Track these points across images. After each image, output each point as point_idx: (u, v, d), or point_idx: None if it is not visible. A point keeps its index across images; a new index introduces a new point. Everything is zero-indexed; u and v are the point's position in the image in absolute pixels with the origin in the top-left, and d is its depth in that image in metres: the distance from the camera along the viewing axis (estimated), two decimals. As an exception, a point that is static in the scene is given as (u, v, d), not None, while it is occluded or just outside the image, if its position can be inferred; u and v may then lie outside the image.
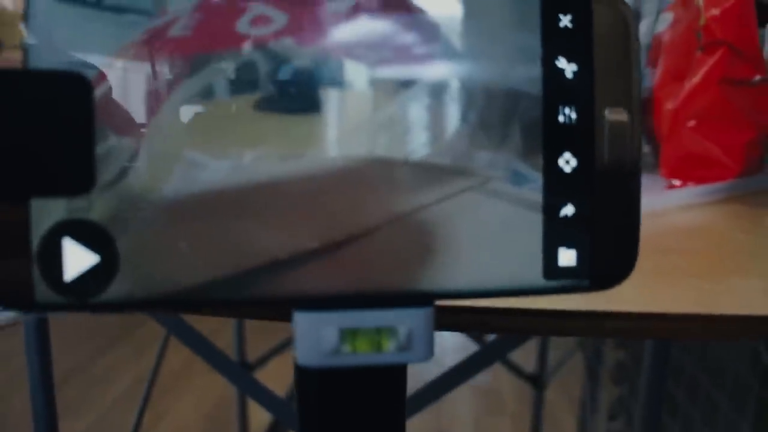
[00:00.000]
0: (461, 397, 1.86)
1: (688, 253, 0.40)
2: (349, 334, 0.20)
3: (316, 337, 0.20)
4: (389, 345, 0.21)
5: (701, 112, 0.60)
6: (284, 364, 1.53)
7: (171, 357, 1.37)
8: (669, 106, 0.61)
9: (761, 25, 0.61)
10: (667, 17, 0.70)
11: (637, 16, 0.89)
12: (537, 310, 0.28)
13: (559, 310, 0.29)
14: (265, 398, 0.94)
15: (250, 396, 0.98)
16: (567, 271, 0.22)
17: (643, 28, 0.88)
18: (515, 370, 1.50)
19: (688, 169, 0.62)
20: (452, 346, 1.94)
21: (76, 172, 0.19)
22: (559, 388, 1.72)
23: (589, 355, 1.49)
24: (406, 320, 0.21)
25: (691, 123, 0.61)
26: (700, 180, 0.61)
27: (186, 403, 1.86)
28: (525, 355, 1.53)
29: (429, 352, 0.21)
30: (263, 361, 1.47)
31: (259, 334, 1.66)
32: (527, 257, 0.22)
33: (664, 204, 0.54)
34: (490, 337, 1.54)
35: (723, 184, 0.60)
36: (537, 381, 1.52)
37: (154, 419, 1.75)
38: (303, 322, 0.20)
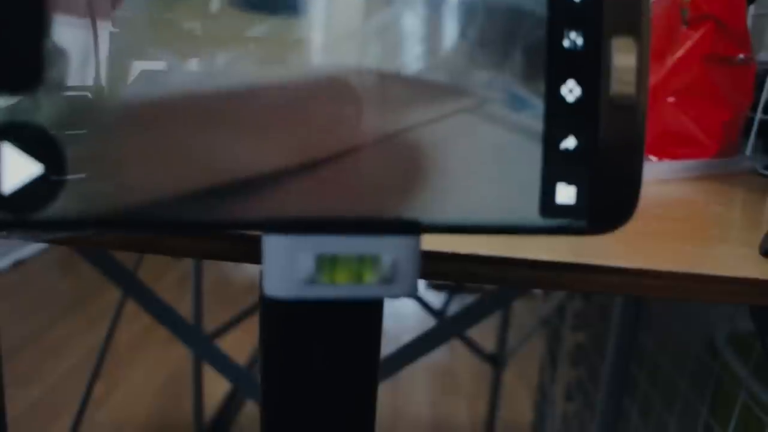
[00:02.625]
0: (417, 377, 1.85)
1: (671, 220, 0.39)
2: (326, 262, 0.18)
3: (288, 264, 0.18)
4: (371, 276, 0.19)
5: (682, 88, 0.59)
6: (243, 336, 1.50)
7: (125, 328, 1.34)
8: (650, 81, 0.60)
9: (748, 2, 0.60)
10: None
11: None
12: (523, 259, 0.27)
13: (547, 261, 0.27)
14: (224, 365, 0.92)
15: (209, 362, 0.95)
16: (564, 209, 0.20)
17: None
18: (474, 349, 1.50)
19: (665, 146, 0.61)
20: (411, 324, 1.93)
21: (20, 65, 0.17)
22: (516, 370, 1.72)
23: (549, 336, 1.49)
24: (391, 249, 0.19)
25: (671, 99, 0.60)
26: (676, 156, 0.60)
27: (139, 374, 1.82)
28: (484, 335, 1.53)
29: (413, 287, 0.19)
30: (221, 332, 1.44)
31: (218, 306, 1.63)
32: (523, 191, 0.20)
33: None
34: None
35: (700, 161, 0.59)
36: (496, 361, 1.52)
37: (107, 390, 1.71)
38: (274, 246, 0.18)
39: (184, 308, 1.37)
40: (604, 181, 0.21)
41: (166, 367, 1.83)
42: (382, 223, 0.19)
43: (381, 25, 0.18)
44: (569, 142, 0.20)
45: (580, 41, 0.20)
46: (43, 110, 0.17)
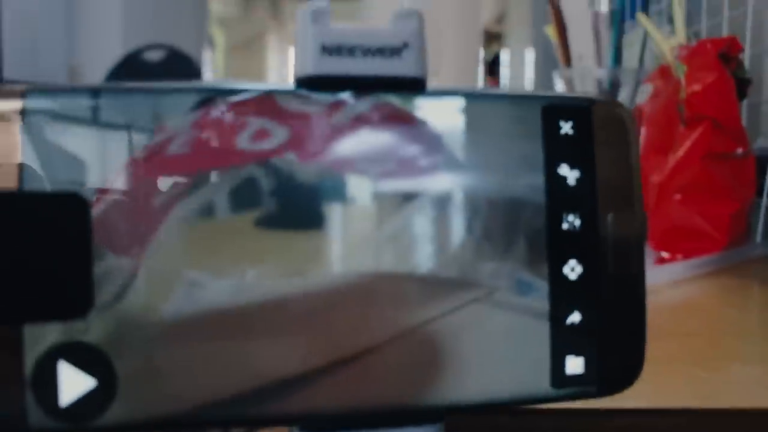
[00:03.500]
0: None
1: (684, 337, 0.40)
2: None
3: None
4: None
5: (686, 185, 0.61)
6: None
7: None
8: (654, 179, 0.62)
9: (740, 99, 0.62)
10: (647, 89, 0.71)
11: (616, 86, 0.91)
12: (540, 409, 0.28)
13: (563, 409, 0.28)
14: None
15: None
16: (574, 378, 0.22)
17: (622, 97, 0.90)
18: None
19: (676, 241, 0.62)
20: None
21: (73, 295, 0.19)
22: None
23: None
24: None
25: (677, 196, 0.62)
26: (687, 252, 0.61)
27: None
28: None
29: None
30: None
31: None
32: (535, 367, 0.21)
33: (654, 280, 0.54)
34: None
35: (711, 257, 0.60)
36: None
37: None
38: None
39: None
40: (610, 348, 0.22)
41: None
42: (407, 414, 0.20)
43: (392, 231, 0.20)
44: (575, 317, 0.22)
45: (578, 222, 0.22)
46: (94, 330, 0.19)
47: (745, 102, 0.70)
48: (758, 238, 0.69)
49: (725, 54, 0.60)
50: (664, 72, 0.69)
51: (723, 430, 0.29)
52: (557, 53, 0.95)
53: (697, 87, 0.60)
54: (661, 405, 0.29)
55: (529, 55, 2.92)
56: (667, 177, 0.61)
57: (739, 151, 0.62)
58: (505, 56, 3.74)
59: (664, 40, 0.71)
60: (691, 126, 0.61)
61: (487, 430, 0.27)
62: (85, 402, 0.19)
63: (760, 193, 0.70)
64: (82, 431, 0.19)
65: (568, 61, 0.93)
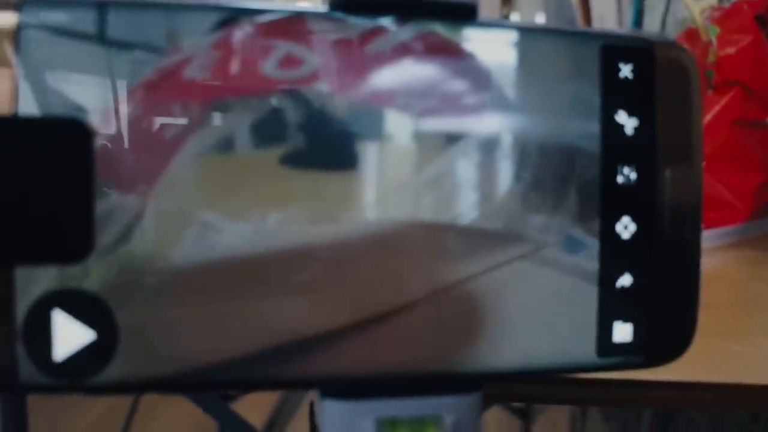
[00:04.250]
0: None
1: (712, 309, 0.38)
2: (387, 425, 0.18)
3: (348, 429, 0.18)
4: None
5: (712, 153, 0.59)
6: (262, 396, 1.48)
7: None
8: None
9: (774, 65, 0.59)
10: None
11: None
12: (575, 379, 0.26)
13: (592, 379, 0.26)
14: (243, 430, 0.90)
15: (226, 427, 0.94)
16: (622, 347, 0.20)
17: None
18: (502, 403, 1.47)
19: (697, 211, 0.60)
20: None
21: (71, 235, 0.16)
22: (546, 423, 1.68)
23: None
24: (454, 408, 0.18)
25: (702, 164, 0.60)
26: (709, 222, 0.59)
27: (164, 428, 1.80)
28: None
29: None
30: (240, 393, 1.43)
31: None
32: (580, 332, 0.19)
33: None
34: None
35: (734, 227, 0.58)
36: (525, 415, 1.49)
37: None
38: (333, 411, 0.18)
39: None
40: (661, 316, 0.20)
41: (190, 421, 1.82)
42: (443, 380, 0.18)
43: (434, 175, 0.18)
44: (625, 280, 0.20)
45: (634, 176, 0.20)
46: (93, 276, 0.17)
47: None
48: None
49: (762, 16, 0.57)
50: (691, 35, 0.66)
51: (758, 406, 0.27)
52: (578, 14, 0.92)
53: (729, 50, 0.57)
54: (694, 378, 0.27)
55: (540, 19, 2.87)
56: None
57: (769, 119, 0.59)
58: (514, 19, 3.68)
59: (694, 1, 0.67)
60: (720, 91, 0.58)
61: (518, 398, 0.25)
62: (82, 357, 0.17)
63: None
64: (78, 389, 0.17)
65: (588, 22, 0.90)
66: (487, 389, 0.22)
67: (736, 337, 0.33)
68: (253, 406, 1.24)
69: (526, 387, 0.26)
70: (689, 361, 0.29)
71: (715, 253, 0.54)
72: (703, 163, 0.21)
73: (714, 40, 0.59)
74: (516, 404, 1.48)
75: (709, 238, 0.56)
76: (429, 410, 0.18)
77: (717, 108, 0.58)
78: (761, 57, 0.57)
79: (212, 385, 0.17)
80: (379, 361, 0.18)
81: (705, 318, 0.36)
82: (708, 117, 0.59)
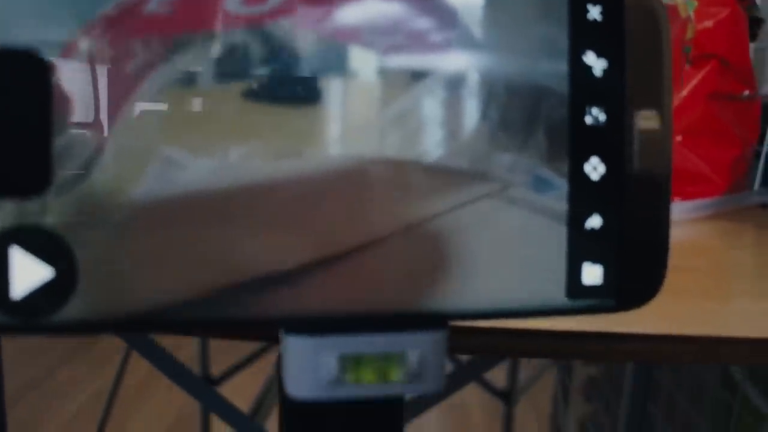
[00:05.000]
0: (428, 414, 1.83)
1: (689, 272, 0.38)
2: (351, 362, 0.17)
3: (311, 365, 0.17)
4: (398, 374, 0.18)
5: (689, 126, 0.59)
6: (248, 380, 1.48)
7: (131, 371, 1.33)
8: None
9: (751, 39, 0.60)
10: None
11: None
12: (548, 331, 0.26)
13: (568, 331, 0.26)
14: (229, 414, 0.90)
15: (214, 411, 0.94)
16: (592, 289, 0.20)
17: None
18: (486, 386, 1.48)
19: (675, 185, 0.60)
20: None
21: (28, 170, 0.16)
22: (528, 405, 1.70)
23: (561, 371, 1.47)
24: (418, 345, 0.18)
25: (678, 138, 0.60)
26: (686, 196, 0.60)
27: (146, 419, 1.80)
28: (495, 371, 1.51)
29: (440, 382, 0.18)
30: (227, 375, 1.43)
31: (224, 349, 1.62)
32: (549, 274, 0.19)
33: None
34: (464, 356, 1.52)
35: (710, 200, 0.59)
36: (507, 397, 1.50)
37: (113, 434, 1.68)
38: (296, 347, 0.17)
39: (188, 351, 1.36)
40: (631, 257, 0.20)
41: (173, 411, 1.81)
42: (408, 318, 0.18)
43: (399, 112, 0.18)
44: (594, 221, 0.19)
45: (602, 117, 0.19)
46: (51, 211, 0.16)
47: (752, 46, 0.67)
48: (756, 185, 0.67)
49: (739, -11, 0.57)
50: (670, 12, 0.66)
51: (733, 358, 0.28)
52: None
53: (707, 23, 0.57)
54: (673, 332, 0.27)
55: None
56: (670, 117, 0.59)
57: (746, 93, 0.60)
58: None
59: (672, -24, 0.68)
60: (698, 65, 0.58)
61: (488, 349, 0.25)
62: (39, 295, 0.16)
63: (761, 141, 0.68)
64: (36, 329, 0.17)
65: None
66: (462, 340, 0.22)
67: (712, 296, 0.33)
68: (240, 390, 1.24)
69: (499, 339, 0.26)
70: (664, 317, 0.29)
71: (693, 224, 0.54)
72: (673, 111, 0.21)
73: (692, 15, 0.59)
74: (499, 387, 1.49)
75: (686, 210, 0.57)
76: (393, 347, 0.18)
77: (694, 82, 0.58)
78: (738, 30, 0.57)
79: (173, 325, 0.17)
80: (343, 299, 0.18)
81: (682, 280, 0.37)
82: (685, 91, 0.59)
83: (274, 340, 0.19)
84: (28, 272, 0.16)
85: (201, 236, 0.17)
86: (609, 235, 0.20)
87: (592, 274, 0.20)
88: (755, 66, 0.73)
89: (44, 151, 0.16)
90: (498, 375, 1.53)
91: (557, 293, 0.19)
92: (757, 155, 0.68)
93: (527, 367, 1.57)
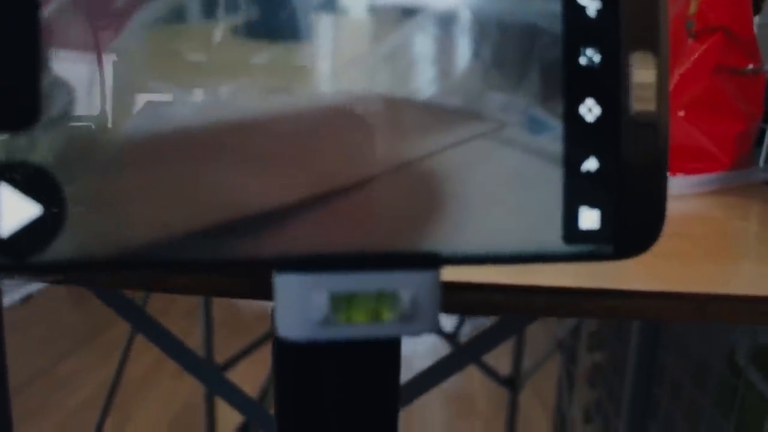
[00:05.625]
0: (432, 401, 1.83)
1: (691, 238, 0.38)
2: (342, 301, 0.17)
3: (302, 303, 0.17)
4: (390, 314, 0.18)
5: (692, 101, 0.59)
6: (254, 366, 1.49)
7: (136, 361, 1.33)
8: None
9: (755, 12, 0.59)
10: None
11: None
12: (542, 287, 0.26)
13: (567, 288, 0.26)
14: (236, 398, 0.90)
15: (220, 396, 0.93)
16: (589, 234, 0.19)
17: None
18: (490, 372, 1.48)
19: (678, 161, 0.60)
20: (423, 350, 1.91)
21: (16, 103, 0.16)
22: (533, 392, 1.70)
23: (565, 357, 1.47)
24: (410, 284, 0.18)
25: (681, 113, 0.59)
26: (689, 171, 0.59)
27: (152, 408, 1.80)
28: (499, 358, 1.51)
29: (435, 323, 0.18)
30: (232, 362, 1.43)
31: (229, 336, 1.62)
32: (545, 217, 0.19)
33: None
34: (464, 340, 1.52)
35: (714, 175, 0.58)
36: (512, 384, 1.50)
37: (119, 423, 1.69)
38: (286, 285, 0.17)
39: (194, 339, 1.36)
40: (628, 202, 0.20)
41: (178, 399, 1.82)
42: (400, 258, 0.18)
43: (390, 48, 0.18)
44: (590, 164, 0.19)
45: (597, 58, 0.19)
46: (40, 148, 0.16)
47: (756, 21, 0.66)
48: (761, 161, 0.67)
49: (743, -39, 0.57)
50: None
51: (734, 316, 0.27)
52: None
53: (711, -5, 0.56)
54: (675, 290, 0.27)
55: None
56: (673, 92, 0.59)
57: (750, 66, 0.59)
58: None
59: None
60: (701, 38, 0.58)
61: (482, 306, 0.25)
62: (28, 232, 0.16)
63: (766, 119, 0.67)
64: (24, 268, 0.16)
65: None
66: (456, 297, 0.22)
67: (715, 258, 0.33)
68: (245, 377, 1.24)
69: (495, 296, 0.25)
70: (667, 277, 0.29)
71: (697, 198, 0.54)
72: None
73: (695, -12, 0.58)
74: (503, 374, 1.49)
75: (689, 185, 0.56)
76: (385, 285, 0.17)
77: (697, 54, 0.58)
78: (742, 1, 0.57)
79: (163, 264, 0.17)
80: (335, 238, 0.17)
81: (685, 244, 0.36)
82: (688, 64, 0.58)
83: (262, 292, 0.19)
84: (17, 209, 0.16)
85: (190, 174, 0.17)
86: (606, 179, 0.19)
87: (589, 218, 0.19)
88: (759, 42, 0.72)
89: (32, 85, 0.16)
90: (502, 362, 1.53)
91: (554, 238, 0.19)
92: (763, 132, 0.67)
93: (531, 354, 1.57)
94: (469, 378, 1.89)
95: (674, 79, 0.60)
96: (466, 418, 1.80)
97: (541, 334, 1.76)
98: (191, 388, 1.72)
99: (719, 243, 0.38)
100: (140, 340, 1.21)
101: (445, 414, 1.81)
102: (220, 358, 1.44)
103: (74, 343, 2.16)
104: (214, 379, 0.99)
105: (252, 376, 1.41)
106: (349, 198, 0.17)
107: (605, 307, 0.26)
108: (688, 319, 0.27)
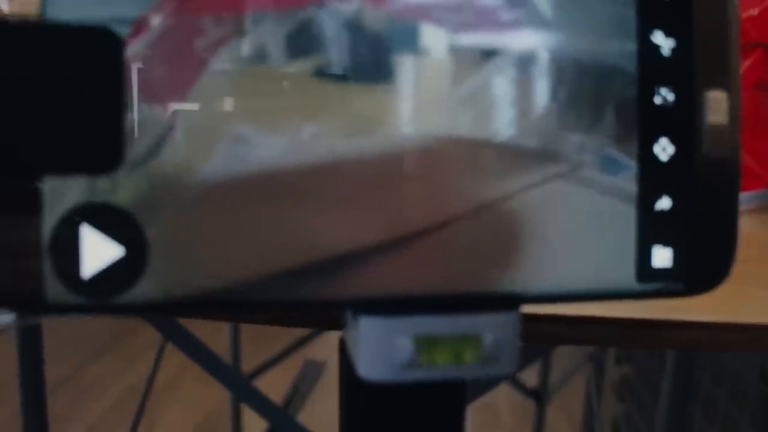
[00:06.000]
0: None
1: (743, 262, 0.37)
2: (425, 344, 0.17)
3: (385, 346, 0.17)
4: (472, 356, 0.18)
5: (733, 117, 0.58)
6: (279, 375, 1.49)
7: (162, 366, 1.34)
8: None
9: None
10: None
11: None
12: (603, 318, 0.25)
13: (627, 318, 0.26)
14: (262, 405, 0.90)
15: (246, 403, 0.94)
16: (661, 272, 0.19)
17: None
18: (516, 384, 1.47)
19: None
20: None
21: (100, 147, 0.16)
22: (560, 405, 1.68)
23: (593, 370, 1.46)
24: (492, 326, 0.18)
25: (722, 129, 0.59)
26: (730, 189, 0.58)
27: (177, 413, 1.82)
28: (526, 370, 1.50)
29: (515, 363, 0.18)
30: (259, 371, 1.44)
31: (254, 343, 1.62)
32: (619, 256, 0.19)
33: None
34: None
35: (756, 193, 0.57)
36: (538, 396, 1.49)
37: (146, 428, 1.70)
38: (368, 327, 0.17)
39: (221, 346, 1.37)
40: (701, 240, 0.20)
41: (204, 405, 1.83)
42: (481, 299, 0.18)
43: (470, 91, 0.18)
44: (664, 203, 0.19)
45: (671, 97, 0.19)
46: (123, 190, 0.16)
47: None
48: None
49: (785, -24, 0.56)
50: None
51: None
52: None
53: (752, 11, 0.56)
54: (733, 320, 0.26)
55: None
56: (714, 109, 0.58)
57: (792, 83, 0.58)
58: None
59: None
60: (743, 54, 0.57)
61: (545, 338, 0.25)
62: (110, 274, 0.16)
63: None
64: (106, 309, 0.16)
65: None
66: (528, 329, 0.22)
67: (766, 284, 0.33)
68: (273, 384, 1.24)
69: (556, 327, 0.25)
70: (722, 306, 0.28)
71: (740, 217, 0.53)
72: (740, 94, 0.21)
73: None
74: (530, 386, 1.48)
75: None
76: (467, 328, 0.17)
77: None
78: (785, 18, 0.56)
79: (243, 306, 0.17)
80: (414, 279, 0.17)
81: (737, 271, 0.36)
82: (730, 81, 0.58)
83: (329, 325, 0.19)
84: (99, 251, 0.16)
85: (271, 215, 0.17)
86: (679, 218, 0.19)
87: (661, 256, 0.19)
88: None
89: (116, 128, 0.16)
90: (529, 375, 1.52)
91: (627, 276, 0.19)
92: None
93: (559, 366, 1.56)
94: (495, 390, 1.88)
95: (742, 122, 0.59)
96: (492, 429, 1.78)
97: (567, 345, 1.75)
98: (217, 394, 1.73)
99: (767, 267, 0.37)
100: (166, 344, 1.22)
101: (470, 425, 1.80)
102: (245, 365, 1.44)
103: (101, 349, 2.17)
104: (240, 385, 1.00)
105: (277, 383, 1.42)
106: (429, 240, 0.17)
107: (660, 338, 0.26)
108: (743, 351, 0.27)
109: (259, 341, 1.63)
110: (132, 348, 2.10)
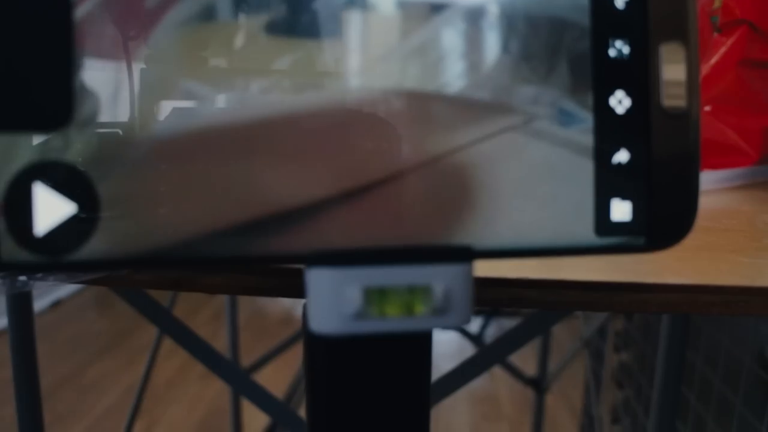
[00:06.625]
0: (457, 403, 1.83)
1: (721, 231, 0.38)
2: (375, 295, 0.17)
3: (335, 298, 0.17)
4: (423, 307, 0.18)
5: (718, 95, 0.58)
6: (280, 370, 1.49)
7: (162, 365, 1.34)
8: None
9: (781, 4, 0.58)
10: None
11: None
12: (572, 281, 0.25)
13: (598, 282, 0.26)
14: (263, 400, 0.90)
15: (247, 398, 0.94)
16: (621, 226, 0.19)
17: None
18: (515, 374, 1.47)
19: (705, 156, 0.59)
20: (448, 352, 1.91)
21: (51, 104, 0.16)
22: (559, 393, 1.68)
23: (591, 357, 1.46)
24: (443, 278, 0.18)
25: (708, 108, 0.59)
26: (716, 166, 0.58)
27: (178, 411, 1.82)
28: (524, 359, 1.50)
29: (467, 316, 0.18)
30: (259, 365, 1.44)
31: (254, 339, 1.63)
32: (576, 210, 0.19)
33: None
34: (489, 341, 1.51)
35: (742, 169, 0.57)
36: (538, 385, 1.49)
37: (147, 427, 1.70)
38: (318, 280, 0.17)
39: (220, 343, 1.37)
40: (660, 194, 0.20)
41: (204, 403, 1.83)
42: (432, 251, 0.18)
43: (419, 44, 0.18)
44: (621, 156, 0.19)
45: (626, 50, 0.19)
46: (74, 148, 0.16)
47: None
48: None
49: (767, -47, 0.56)
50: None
51: (762, 308, 0.27)
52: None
53: (735, -12, 0.56)
54: (709, 282, 0.26)
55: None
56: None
57: (777, 59, 0.58)
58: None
59: (698, -54, 0.66)
60: (727, 32, 0.57)
61: (511, 302, 0.25)
62: (63, 231, 0.16)
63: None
64: (59, 266, 0.17)
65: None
66: (487, 292, 0.22)
67: (746, 252, 0.33)
68: (274, 379, 1.24)
69: (526, 291, 0.25)
70: (697, 270, 0.28)
71: (725, 192, 0.53)
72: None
73: (719, -19, 0.58)
74: (528, 375, 1.48)
75: (717, 180, 0.56)
76: (418, 279, 0.17)
77: (723, 50, 0.57)
78: (767, -6, 0.56)
79: (194, 261, 0.17)
80: (367, 232, 0.17)
81: (714, 238, 0.36)
82: (714, 59, 0.58)
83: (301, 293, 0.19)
84: (52, 208, 0.16)
85: (222, 170, 0.17)
86: (637, 171, 0.19)
87: (620, 210, 0.19)
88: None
89: (66, 85, 0.16)
90: (528, 363, 1.52)
91: (586, 230, 0.19)
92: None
93: (557, 354, 1.56)
94: (495, 379, 1.88)
95: (701, 73, 0.59)
96: (492, 419, 1.79)
97: (566, 334, 1.75)
98: (218, 391, 1.73)
99: (748, 236, 0.37)
100: (166, 344, 1.22)
101: (470, 416, 1.81)
102: (245, 361, 1.44)
103: (101, 348, 2.18)
104: (240, 381, 1.00)
105: (278, 379, 1.42)
106: (380, 192, 0.17)
107: (634, 301, 0.26)
108: (717, 313, 0.27)
109: (259, 337, 1.64)
110: (132, 348, 2.10)
